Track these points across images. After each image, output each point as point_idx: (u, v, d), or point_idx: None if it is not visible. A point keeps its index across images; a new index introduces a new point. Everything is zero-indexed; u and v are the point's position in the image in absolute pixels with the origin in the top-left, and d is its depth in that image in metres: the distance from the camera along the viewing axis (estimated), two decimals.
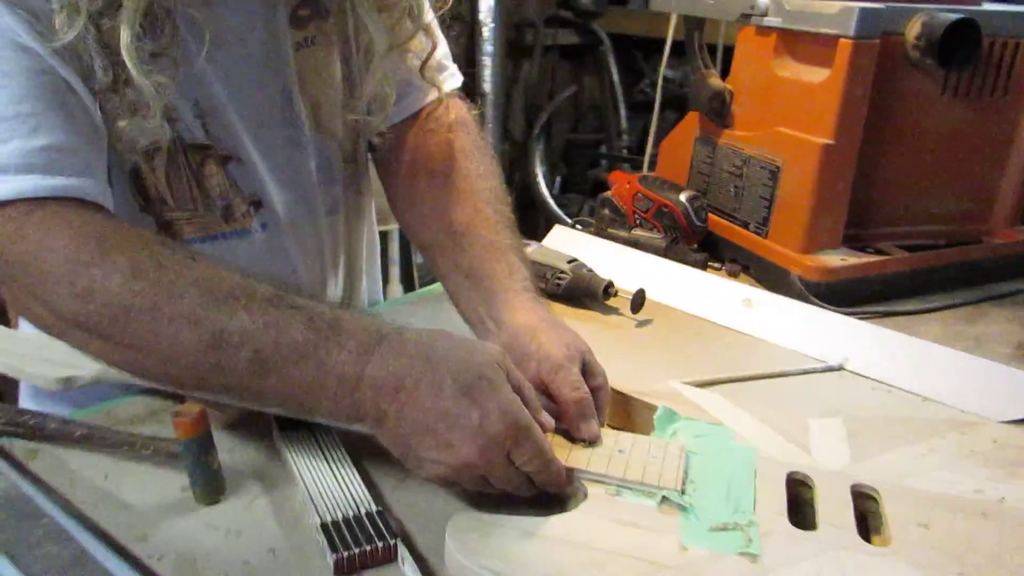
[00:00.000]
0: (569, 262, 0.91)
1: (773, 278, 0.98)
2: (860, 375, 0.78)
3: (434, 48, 0.81)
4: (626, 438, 0.60)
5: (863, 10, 0.90)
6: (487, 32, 2.99)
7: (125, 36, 0.57)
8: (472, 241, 0.73)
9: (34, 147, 0.55)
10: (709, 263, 1.02)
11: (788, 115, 0.98)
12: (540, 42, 3.18)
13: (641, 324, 0.87)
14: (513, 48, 3.20)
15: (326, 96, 0.77)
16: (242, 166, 0.72)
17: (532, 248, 0.94)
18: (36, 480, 0.56)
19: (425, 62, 0.80)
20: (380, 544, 0.50)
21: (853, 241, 1.02)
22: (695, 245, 1.05)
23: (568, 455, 0.56)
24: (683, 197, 1.04)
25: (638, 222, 1.07)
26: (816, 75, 0.95)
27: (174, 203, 0.69)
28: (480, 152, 0.83)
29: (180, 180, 0.69)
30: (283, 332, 0.52)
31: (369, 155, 0.87)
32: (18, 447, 0.60)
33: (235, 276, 0.54)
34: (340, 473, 0.57)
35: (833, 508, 0.54)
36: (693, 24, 1.12)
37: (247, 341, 0.52)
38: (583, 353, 0.63)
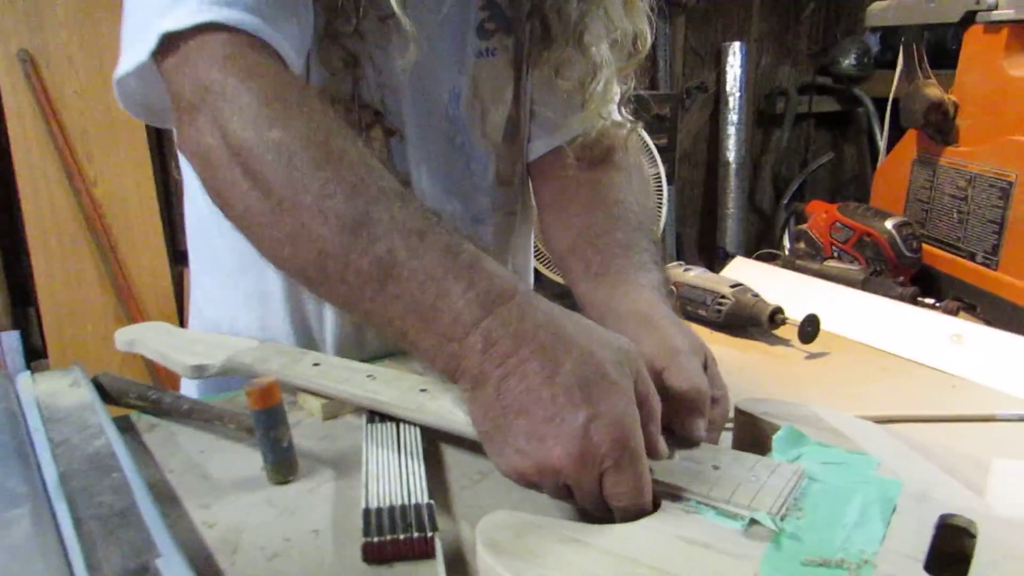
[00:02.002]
0: (732, 286, 0.81)
1: (1006, 317, 0.80)
2: None
3: (621, 96, 0.79)
4: (728, 454, 0.50)
5: None
6: (733, 101, 2.91)
7: None
8: (608, 243, 0.70)
9: None
10: (921, 299, 0.86)
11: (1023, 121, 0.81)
12: (792, 110, 3.03)
13: (813, 357, 0.75)
14: (763, 117, 3.08)
15: (494, 106, 0.79)
16: (402, 144, 0.74)
17: (694, 272, 0.86)
18: (141, 447, 0.59)
19: (598, 100, 0.77)
20: (416, 535, 0.45)
21: None
22: (903, 279, 0.89)
23: (651, 465, 0.48)
24: (889, 224, 0.89)
25: (836, 254, 0.94)
26: None
27: None
28: (636, 170, 0.80)
29: None
30: (423, 244, 0.47)
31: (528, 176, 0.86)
32: (143, 421, 0.64)
33: (398, 182, 0.52)
34: (406, 465, 0.53)
35: (996, 562, 0.40)
36: (911, 33, 0.98)
37: (386, 236, 0.47)
38: (707, 354, 0.55)
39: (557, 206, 0.80)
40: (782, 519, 0.43)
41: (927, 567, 0.40)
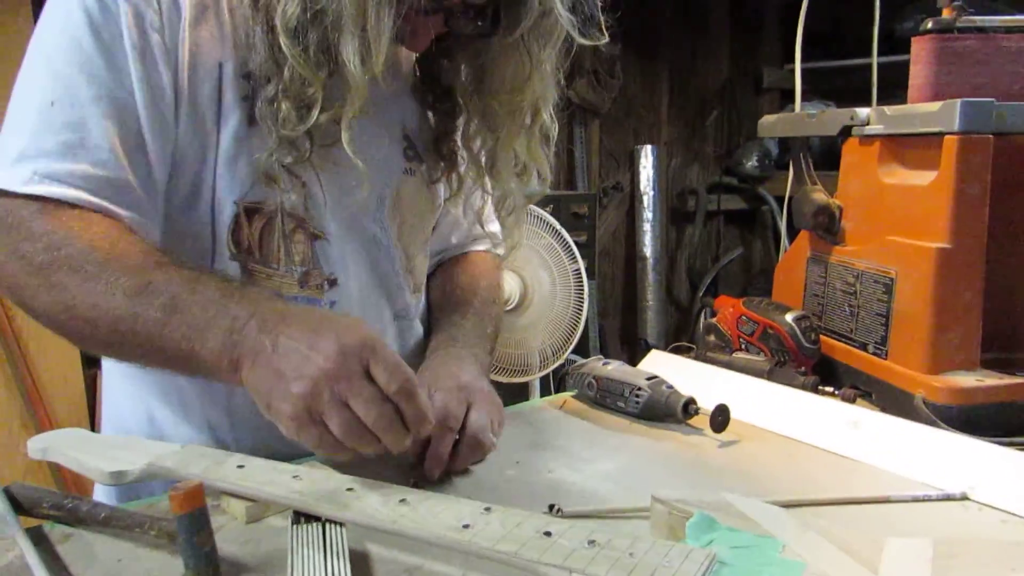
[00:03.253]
0: (648, 379, 0.85)
1: (897, 403, 0.86)
2: (989, 506, 0.65)
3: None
4: (645, 542, 0.52)
5: (967, 104, 0.82)
6: (647, 200, 3.05)
7: (346, 134, 0.70)
8: (455, 333, 0.86)
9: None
10: (822, 388, 0.91)
11: (898, 223, 0.89)
12: (702, 207, 3.19)
13: (725, 445, 0.78)
14: (676, 214, 3.24)
15: (411, 216, 0.86)
16: (328, 246, 0.79)
17: (612, 366, 0.90)
18: (55, 558, 0.58)
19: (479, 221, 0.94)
20: None
21: (1004, 366, 0.88)
22: (804, 369, 0.95)
23: (568, 556, 0.50)
24: (789, 317, 0.96)
25: (743, 346, 0.99)
26: (924, 178, 0.87)
27: (260, 257, 0.76)
28: (493, 282, 0.97)
29: (271, 238, 0.76)
30: (200, 284, 0.63)
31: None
32: (56, 531, 0.62)
33: (184, 267, 0.66)
34: (332, 565, 0.54)
35: None
36: (798, 144, 1.08)
37: (167, 289, 0.62)
38: (489, 408, 0.74)
39: (433, 303, 0.94)
40: None
41: None
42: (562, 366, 1.93)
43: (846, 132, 0.97)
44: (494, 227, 0.94)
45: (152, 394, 0.80)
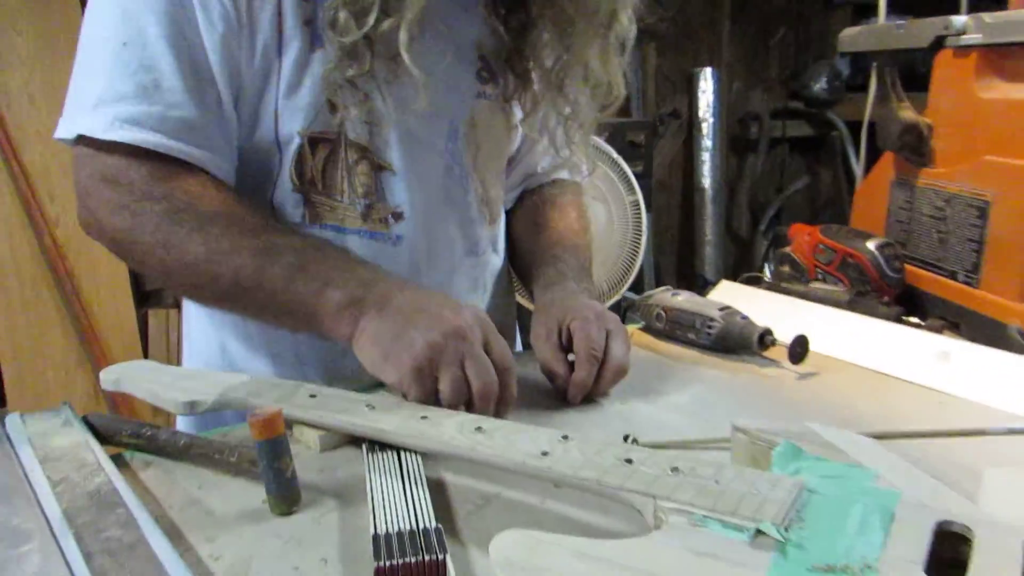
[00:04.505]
0: (721, 309, 0.85)
1: (988, 334, 0.84)
2: None
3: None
4: (730, 470, 0.52)
5: None
6: (706, 127, 2.99)
7: (404, 36, 0.70)
8: (554, 265, 0.88)
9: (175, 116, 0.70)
10: (906, 319, 0.90)
11: (997, 141, 0.86)
12: (766, 135, 3.12)
13: (804, 377, 0.78)
14: (737, 142, 3.17)
15: (486, 143, 0.86)
16: (394, 178, 0.79)
17: (682, 296, 0.89)
18: (138, 483, 0.61)
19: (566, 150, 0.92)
20: (427, 557, 0.47)
21: None
22: (887, 299, 0.94)
23: (652, 483, 0.51)
24: (871, 245, 0.94)
25: (820, 276, 0.98)
26: None
27: (323, 188, 0.77)
28: (582, 213, 0.99)
29: (335, 169, 0.77)
30: (326, 250, 0.70)
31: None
32: (137, 459, 0.65)
33: (300, 235, 0.72)
34: (411, 491, 0.55)
35: (993, 565, 0.43)
36: (884, 58, 1.04)
37: (292, 250, 0.68)
38: (613, 326, 0.74)
39: (522, 238, 0.95)
40: (786, 529, 0.46)
41: (927, 571, 0.42)
42: (618, 303, 1.94)
43: (938, 43, 0.93)
44: (573, 152, 0.93)
45: (225, 327, 0.83)
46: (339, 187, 0.77)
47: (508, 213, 0.97)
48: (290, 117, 0.73)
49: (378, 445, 0.62)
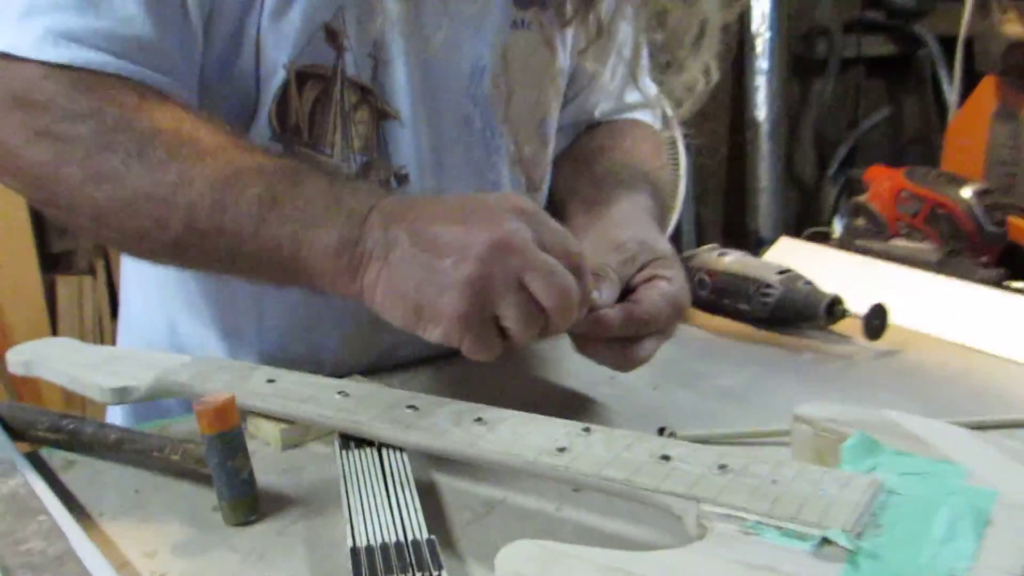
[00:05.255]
0: (780, 273, 0.86)
1: None
2: None
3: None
4: (790, 467, 0.54)
5: None
6: (761, 45, 2.98)
7: None
8: (608, 184, 0.85)
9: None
10: (1009, 283, 0.92)
11: None
12: (836, 54, 3.12)
13: (882, 355, 0.80)
14: (800, 64, 3.17)
15: (523, 88, 0.85)
16: (400, 129, 0.79)
17: (732, 257, 0.91)
18: (58, 486, 0.62)
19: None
20: (418, 574, 0.49)
21: None
22: (986, 259, 0.95)
23: (695, 483, 0.52)
24: (966, 192, 0.95)
25: (903, 231, 1.00)
26: None
27: (309, 138, 0.76)
28: (656, 150, 0.96)
29: (326, 114, 0.77)
30: (300, 175, 0.65)
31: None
32: (56, 458, 0.67)
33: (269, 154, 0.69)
34: (397, 496, 0.57)
35: None
36: None
37: (259, 180, 0.64)
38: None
39: (573, 167, 0.92)
40: (859, 536, 0.48)
41: None
42: None
43: None
44: (644, 94, 0.90)
45: (176, 300, 0.84)
46: (329, 138, 0.77)
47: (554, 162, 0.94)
48: (275, 45, 0.73)
49: (354, 441, 0.63)
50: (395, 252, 0.60)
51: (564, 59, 0.89)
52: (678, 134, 1.88)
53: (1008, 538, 0.48)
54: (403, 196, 0.66)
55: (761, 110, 3.00)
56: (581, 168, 0.89)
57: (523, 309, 0.59)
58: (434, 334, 0.60)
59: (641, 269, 0.71)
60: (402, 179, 0.80)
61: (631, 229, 0.75)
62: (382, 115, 0.78)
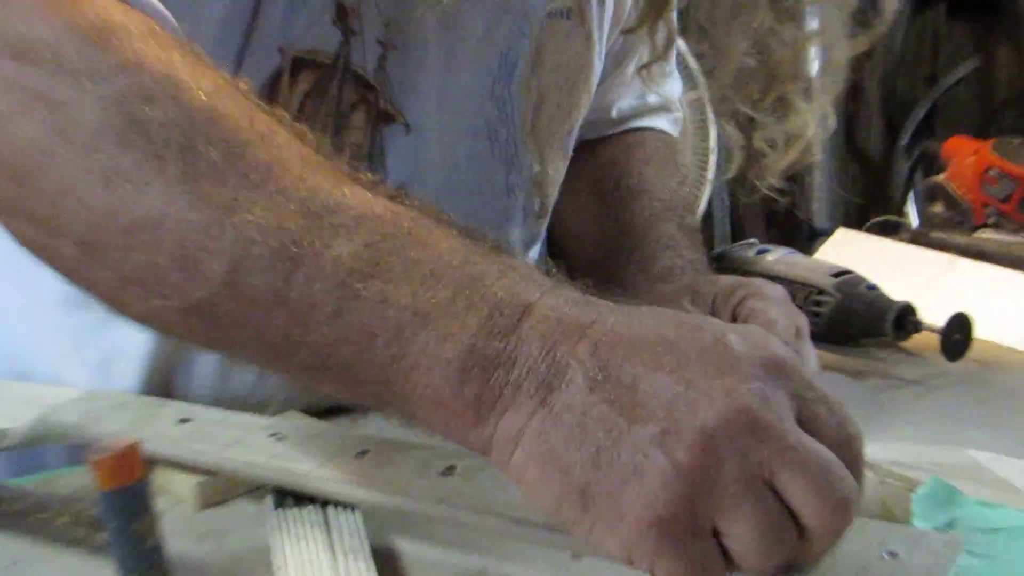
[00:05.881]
0: (836, 275, 0.88)
1: None
2: None
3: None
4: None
5: None
6: None
7: None
8: (650, 240, 0.88)
9: None
10: None
11: None
12: None
13: (965, 379, 0.81)
14: (863, 5, 3.18)
15: (555, 91, 0.88)
16: (403, 137, 0.80)
17: (775, 256, 0.92)
18: None
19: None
20: None
21: None
22: None
23: None
24: None
25: (992, 219, 1.01)
26: None
27: None
28: (678, 176, 1.01)
29: (316, 114, 0.78)
30: (417, 229, 0.53)
31: None
32: None
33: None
34: (348, 566, 0.58)
35: None
36: None
37: (361, 226, 0.52)
38: (803, 327, 0.75)
39: (582, 200, 0.97)
40: None
41: None
42: None
43: None
44: (674, 85, 0.96)
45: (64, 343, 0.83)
46: (316, 139, 0.76)
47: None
48: (270, 23, 0.73)
49: (292, 497, 0.64)
50: (562, 393, 0.48)
51: (600, 56, 0.91)
52: (705, 95, 1.89)
53: None
54: (578, 295, 0.52)
55: (812, 63, 3.01)
56: (608, 207, 0.94)
57: (766, 523, 0.46)
58: (607, 542, 0.47)
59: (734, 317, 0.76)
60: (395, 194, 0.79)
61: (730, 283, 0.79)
62: (384, 118, 0.79)
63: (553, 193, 0.92)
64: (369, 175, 0.57)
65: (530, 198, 0.89)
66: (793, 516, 0.46)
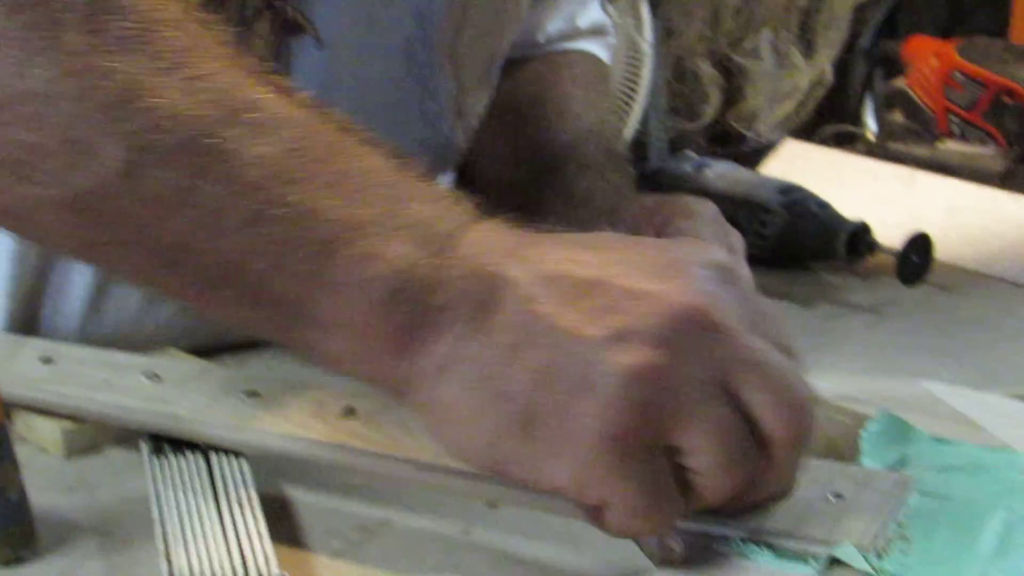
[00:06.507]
0: (783, 192, 0.89)
1: None
2: None
3: None
4: None
5: None
6: None
7: None
8: (570, 161, 0.91)
9: None
10: None
11: None
12: None
13: (923, 305, 0.83)
14: None
15: (479, 9, 0.88)
16: (318, 53, 0.80)
17: (715, 171, 0.93)
18: None
19: None
20: None
21: None
22: None
23: None
24: None
25: (956, 129, 1.03)
26: None
27: None
28: (595, 87, 1.02)
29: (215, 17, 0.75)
30: (344, 142, 0.53)
31: None
32: None
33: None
34: (233, 517, 0.58)
35: None
36: None
37: (280, 127, 0.52)
38: (738, 246, 0.76)
39: (494, 121, 0.97)
40: (879, 556, 0.50)
41: None
42: None
43: None
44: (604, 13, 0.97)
45: None
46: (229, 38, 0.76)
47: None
48: None
49: (170, 443, 0.64)
50: (497, 314, 0.48)
51: None
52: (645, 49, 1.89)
53: None
54: (511, 221, 0.53)
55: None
56: (526, 125, 0.95)
57: (725, 429, 0.47)
58: (554, 471, 0.48)
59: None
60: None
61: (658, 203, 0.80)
62: (291, 28, 0.79)
63: (472, 126, 0.93)
64: (286, 80, 0.55)
65: (454, 132, 0.90)
66: (755, 428, 0.48)
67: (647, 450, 0.46)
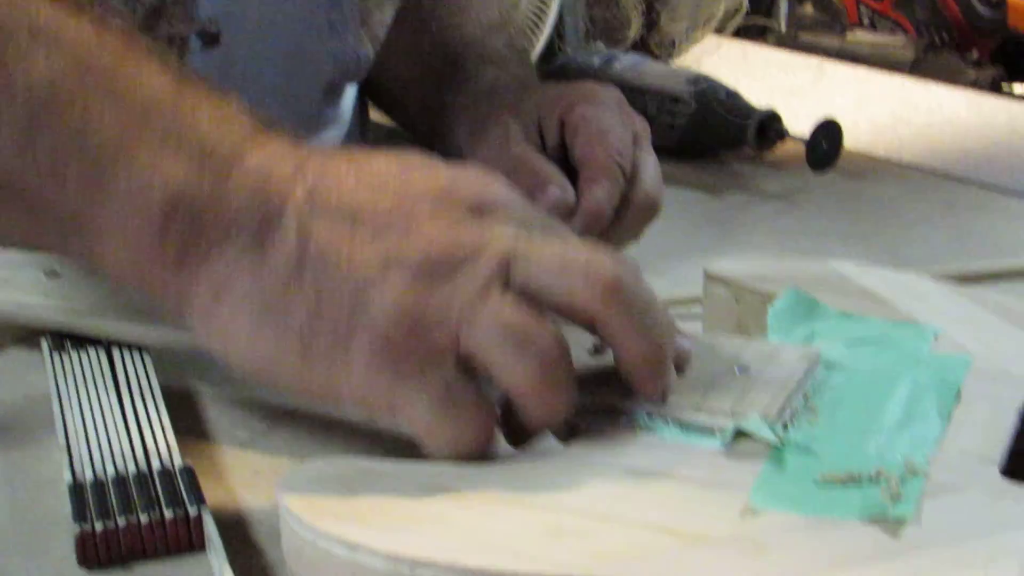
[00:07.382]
0: (692, 82, 0.88)
1: None
2: None
3: None
4: (694, 339, 0.57)
5: None
6: None
7: None
8: (472, 56, 0.91)
9: None
10: (1007, 85, 0.96)
11: None
12: None
13: (832, 191, 0.84)
14: None
15: None
16: None
17: (625, 63, 0.93)
18: None
19: None
20: (168, 514, 0.50)
21: None
22: (976, 54, 0.99)
23: None
24: None
25: (866, 19, 1.03)
26: None
27: None
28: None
29: None
30: (130, 57, 0.53)
31: None
32: None
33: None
34: (135, 410, 0.58)
35: None
36: None
37: (58, 47, 0.52)
38: (640, 130, 0.77)
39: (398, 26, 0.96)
40: (785, 427, 0.50)
41: (1007, 471, 0.48)
42: None
43: None
44: None
45: None
46: None
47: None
48: None
49: (71, 340, 0.64)
50: (275, 238, 0.50)
51: None
52: None
53: (981, 416, 0.51)
54: (295, 140, 0.54)
55: None
56: (427, 21, 0.95)
57: (512, 324, 0.47)
58: (338, 391, 0.50)
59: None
60: (209, 40, 0.79)
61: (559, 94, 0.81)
62: None
63: (378, 37, 0.93)
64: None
65: (356, 41, 0.90)
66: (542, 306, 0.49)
67: (430, 362, 0.47)
